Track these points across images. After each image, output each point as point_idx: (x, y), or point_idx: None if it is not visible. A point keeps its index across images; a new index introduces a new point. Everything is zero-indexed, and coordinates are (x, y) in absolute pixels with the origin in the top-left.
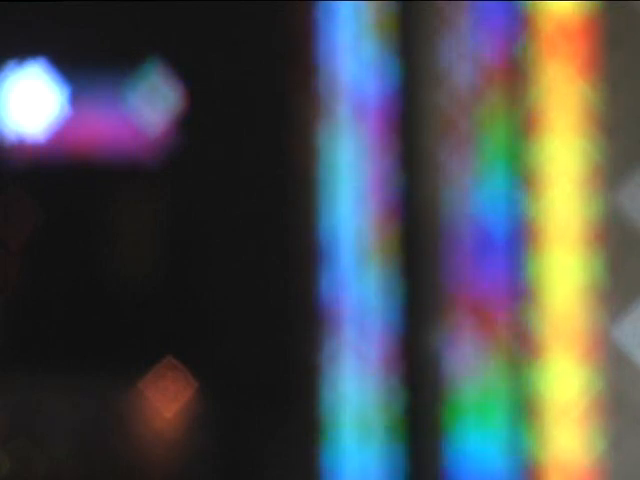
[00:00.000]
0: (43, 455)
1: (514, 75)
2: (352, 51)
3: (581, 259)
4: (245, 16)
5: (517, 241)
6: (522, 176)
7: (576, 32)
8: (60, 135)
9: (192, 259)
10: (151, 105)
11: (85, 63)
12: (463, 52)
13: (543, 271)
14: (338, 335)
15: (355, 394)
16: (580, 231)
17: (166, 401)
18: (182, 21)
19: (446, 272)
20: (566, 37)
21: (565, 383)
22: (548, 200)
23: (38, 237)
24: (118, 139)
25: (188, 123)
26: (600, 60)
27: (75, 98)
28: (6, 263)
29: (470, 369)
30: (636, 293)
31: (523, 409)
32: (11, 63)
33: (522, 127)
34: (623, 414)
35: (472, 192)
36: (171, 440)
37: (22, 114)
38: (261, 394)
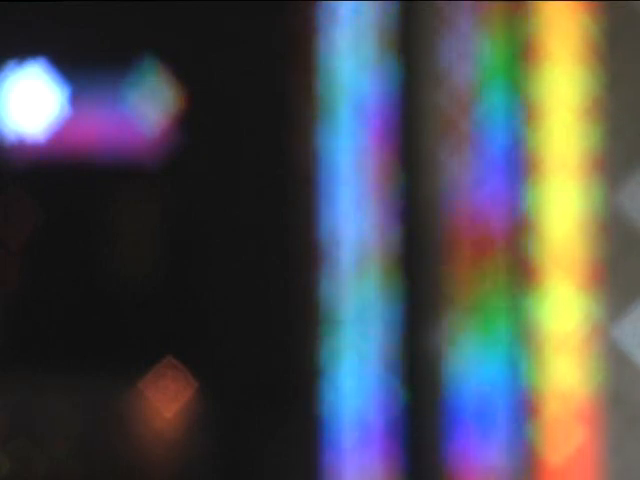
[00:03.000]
0: (43, 455)
1: (514, 4)
2: (352, 51)
3: (580, 188)
4: (245, 16)
5: (517, 170)
6: (522, 106)
7: None
8: (60, 135)
9: (192, 259)
10: (151, 105)
11: (85, 63)
12: (463, 52)
13: (543, 201)
14: (338, 335)
15: (355, 394)
16: (580, 161)
17: (166, 401)
18: (182, 21)
19: (446, 272)
20: None
21: (565, 313)
22: (548, 130)
23: (38, 237)
24: (118, 139)
25: (188, 123)
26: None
27: (75, 98)
28: (6, 263)
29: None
30: (636, 293)
31: (523, 339)
32: (11, 63)
33: (522, 57)
34: (623, 414)
35: (472, 192)
36: (171, 440)
37: (22, 114)
38: (261, 394)
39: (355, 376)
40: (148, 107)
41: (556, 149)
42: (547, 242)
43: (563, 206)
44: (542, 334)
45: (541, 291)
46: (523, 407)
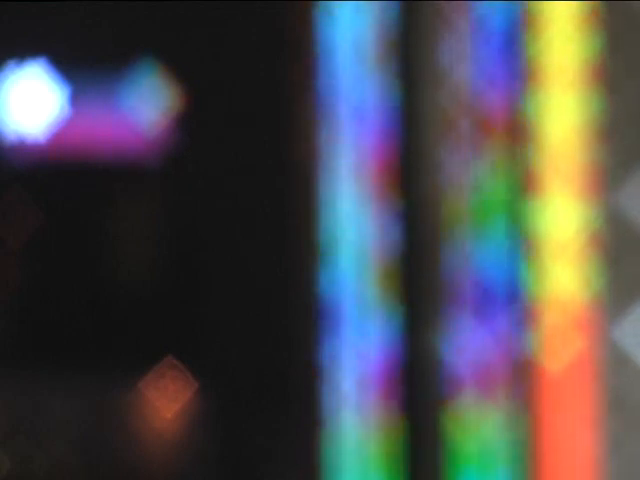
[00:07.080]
0: (43, 455)
1: None
2: (352, 51)
3: (580, 97)
4: (245, 16)
5: (517, 79)
6: (521, 17)
7: None
8: (60, 135)
9: (192, 259)
10: (151, 105)
11: (85, 63)
12: (463, 52)
13: (542, 109)
14: (338, 335)
15: (355, 394)
16: (579, 69)
17: (166, 401)
18: (181, 21)
19: (446, 272)
20: None
21: (564, 220)
22: (547, 40)
23: (38, 237)
24: (118, 139)
25: (188, 123)
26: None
27: (75, 98)
28: (6, 263)
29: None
30: (636, 293)
31: (522, 247)
32: (11, 63)
33: None
34: (623, 415)
35: (472, 193)
36: (171, 440)
37: (22, 114)
38: (261, 394)
39: (355, 376)
40: (148, 107)
41: (555, 57)
42: (546, 150)
43: (563, 114)
44: (541, 243)
45: (540, 199)
46: (523, 314)
